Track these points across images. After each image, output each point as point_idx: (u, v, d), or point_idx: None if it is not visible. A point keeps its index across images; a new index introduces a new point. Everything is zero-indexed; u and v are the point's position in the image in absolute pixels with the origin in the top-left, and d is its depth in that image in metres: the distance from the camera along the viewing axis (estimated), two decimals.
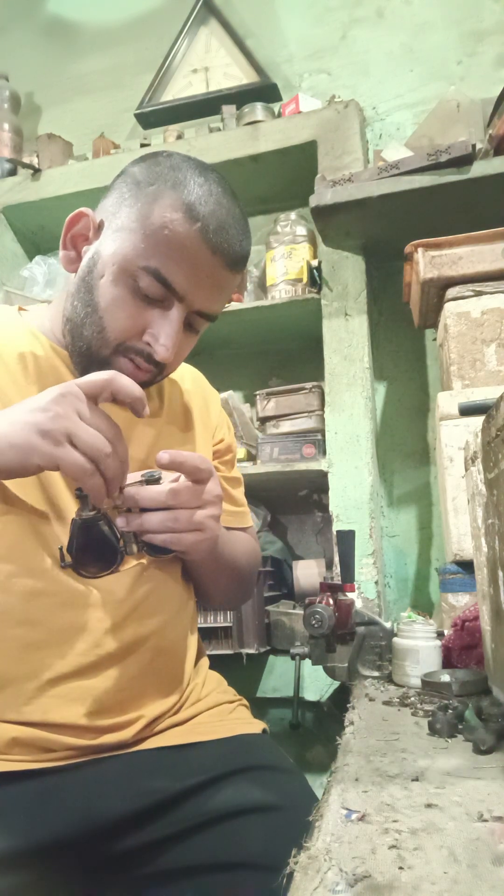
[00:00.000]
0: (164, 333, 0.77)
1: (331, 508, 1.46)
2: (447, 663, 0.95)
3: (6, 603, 0.74)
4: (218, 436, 1.00)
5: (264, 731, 0.90)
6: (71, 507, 0.77)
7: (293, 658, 1.33)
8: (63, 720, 0.74)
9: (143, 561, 0.83)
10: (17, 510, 0.76)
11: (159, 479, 0.70)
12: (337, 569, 1.01)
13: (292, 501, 1.72)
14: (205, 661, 0.97)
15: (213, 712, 0.88)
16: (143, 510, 0.70)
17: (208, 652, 1.01)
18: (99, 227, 0.81)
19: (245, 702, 0.95)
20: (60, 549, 0.70)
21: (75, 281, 0.82)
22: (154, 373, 0.81)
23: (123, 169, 0.84)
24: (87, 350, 0.79)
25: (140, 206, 0.77)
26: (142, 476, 0.70)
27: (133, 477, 0.70)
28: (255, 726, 0.89)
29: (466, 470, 0.86)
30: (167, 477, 0.71)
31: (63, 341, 0.84)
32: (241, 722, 0.89)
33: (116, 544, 0.70)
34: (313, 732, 1.50)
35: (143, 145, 1.83)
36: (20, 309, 0.90)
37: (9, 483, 0.75)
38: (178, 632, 0.87)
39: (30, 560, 0.76)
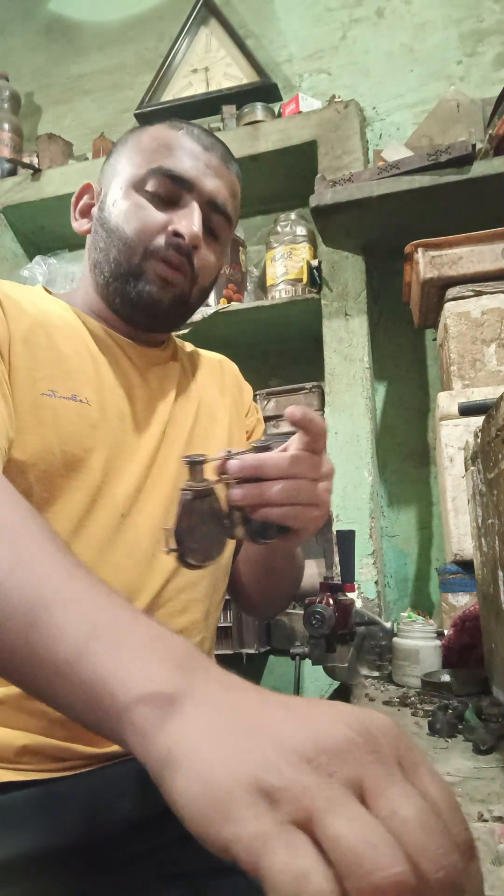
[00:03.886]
0: (186, 217, 0.80)
1: (331, 508, 1.46)
2: (447, 663, 0.95)
3: None
4: (250, 421, 1.00)
5: None
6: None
7: (293, 658, 1.34)
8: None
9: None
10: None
11: (270, 447, 0.62)
12: (337, 569, 1.01)
13: None
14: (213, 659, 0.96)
15: None
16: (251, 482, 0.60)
17: None
18: (101, 191, 0.86)
19: None
20: (165, 529, 0.60)
21: (91, 233, 0.86)
22: (189, 273, 0.82)
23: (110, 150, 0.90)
24: (117, 268, 0.81)
25: (129, 143, 0.85)
26: (252, 445, 0.62)
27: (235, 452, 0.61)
28: None
29: (466, 470, 0.86)
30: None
31: (93, 313, 0.85)
32: None
33: (224, 526, 0.60)
34: None
35: None
36: (46, 290, 0.91)
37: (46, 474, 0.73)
38: (202, 636, 0.85)
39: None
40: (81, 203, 0.89)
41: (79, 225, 0.89)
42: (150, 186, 0.80)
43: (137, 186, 0.81)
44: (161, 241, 0.80)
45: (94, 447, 0.77)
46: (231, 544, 0.63)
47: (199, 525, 0.58)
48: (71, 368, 0.77)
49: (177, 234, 0.79)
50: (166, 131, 0.83)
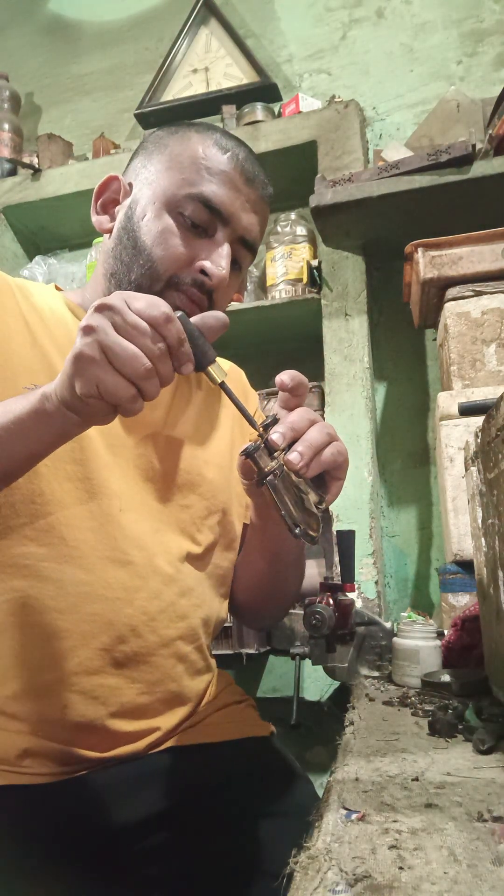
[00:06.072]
0: (214, 255, 0.79)
1: (331, 508, 1.45)
2: (447, 663, 0.95)
3: (34, 589, 0.73)
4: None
5: (272, 733, 0.90)
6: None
7: (293, 658, 1.33)
8: (82, 718, 0.73)
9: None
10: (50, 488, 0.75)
11: (277, 419, 0.65)
12: (337, 569, 1.01)
13: None
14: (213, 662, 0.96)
15: (222, 713, 0.87)
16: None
17: None
18: (129, 188, 0.84)
19: (252, 702, 0.95)
20: (283, 515, 0.61)
21: (113, 237, 0.83)
22: (207, 308, 0.80)
23: (142, 140, 0.87)
24: (137, 289, 0.78)
25: (170, 150, 0.81)
26: (262, 425, 0.65)
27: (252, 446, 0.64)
28: (264, 728, 0.89)
29: (466, 470, 0.86)
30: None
31: None
32: (250, 724, 0.88)
33: (304, 493, 0.64)
34: (313, 732, 1.50)
35: None
36: (56, 288, 0.90)
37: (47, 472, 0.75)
38: (200, 641, 0.85)
39: (63, 545, 0.75)
40: (104, 197, 0.86)
41: (99, 221, 0.85)
42: (185, 210, 0.78)
43: (171, 207, 0.79)
44: (187, 275, 0.79)
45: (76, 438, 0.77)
46: None
47: (296, 500, 0.62)
48: (54, 363, 0.77)
49: (203, 271, 0.78)
50: (212, 150, 0.80)
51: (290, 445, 0.63)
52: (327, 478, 0.67)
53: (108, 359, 0.55)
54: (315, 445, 0.63)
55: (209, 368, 0.63)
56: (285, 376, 0.66)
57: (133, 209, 0.81)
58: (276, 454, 0.63)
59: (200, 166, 0.79)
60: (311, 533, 0.63)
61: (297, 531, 0.61)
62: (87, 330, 0.56)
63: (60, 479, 0.75)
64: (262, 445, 0.63)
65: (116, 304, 0.56)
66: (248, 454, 0.62)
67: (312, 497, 0.65)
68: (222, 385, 0.63)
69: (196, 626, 0.82)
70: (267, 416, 0.65)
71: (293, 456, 0.61)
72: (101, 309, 0.56)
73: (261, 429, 0.64)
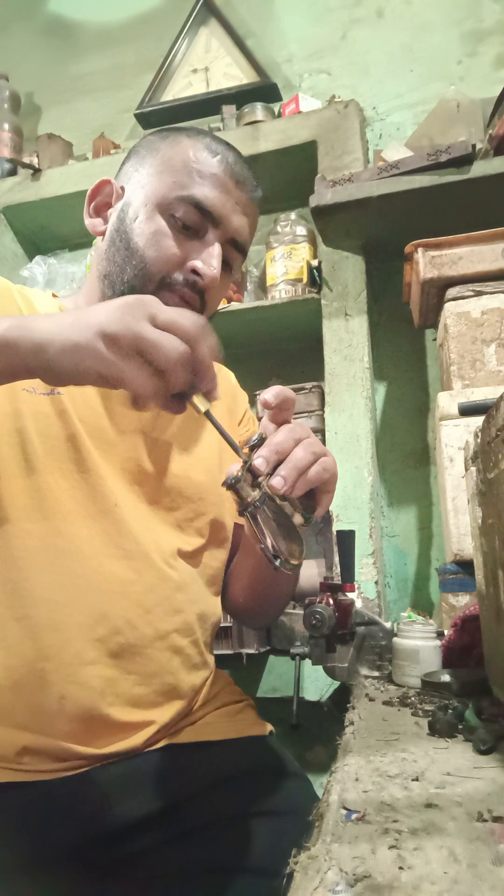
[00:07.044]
0: (206, 255, 0.80)
1: (331, 508, 1.46)
2: (447, 663, 0.95)
3: (29, 581, 0.74)
4: (245, 430, 1.01)
5: (271, 733, 0.90)
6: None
7: (293, 658, 1.33)
8: (79, 708, 0.73)
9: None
10: (48, 475, 0.76)
11: (265, 438, 0.63)
12: (337, 569, 1.01)
13: None
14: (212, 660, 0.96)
15: (221, 712, 0.88)
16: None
17: None
18: (121, 192, 0.85)
19: (251, 702, 0.95)
20: (262, 548, 0.61)
21: (106, 240, 0.84)
22: (199, 308, 0.82)
23: (134, 145, 0.88)
24: (130, 291, 0.79)
25: (162, 154, 0.82)
26: (249, 445, 0.63)
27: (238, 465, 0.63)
28: (262, 728, 0.89)
29: (466, 470, 0.86)
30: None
31: None
32: (249, 723, 0.89)
33: (290, 516, 0.63)
34: (313, 732, 1.50)
35: None
36: (53, 295, 0.91)
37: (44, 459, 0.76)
38: (196, 636, 0.85)
39: (59, 539, 0.75)
40: (97, 200, 0.87)
41: (92, 224, 0.86)
42: (176, 212, 0.79)
43: (163, 209, 0.80)
44: (178, 276, 0.80)
45: (68, 435, 0.78)
46: None
47: (279, 527, 0.61)
48: None
49: (195, 271, 0.79)
50: (202, 153, 0.81)
51: (275, 467, 0.61)
52: (316, 492, 0.65)
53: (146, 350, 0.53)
54: (300, 467, 0.61)
55: (193, 398, 0.59)
56: (269, 395, 0.64)
57: (125, 212, 0.82)
58: (259, 479, 0.61)
59: (191, 169, 0.80)
60: (292, 562, 0.62)
61: (276, 563, 0.60)
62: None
63: (56, 476, 0.76)
64: (246, 471, 0.61)
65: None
66: (229, 486, 0.60)
67: (297, 518, 0.63)
68: (207, 414, 0.60)
69: (191, 621, 0.83)
70: (250, 439, 0.64)
71: (276, 481, 0.60)
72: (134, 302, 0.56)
73: (245, 453, 0.62)
